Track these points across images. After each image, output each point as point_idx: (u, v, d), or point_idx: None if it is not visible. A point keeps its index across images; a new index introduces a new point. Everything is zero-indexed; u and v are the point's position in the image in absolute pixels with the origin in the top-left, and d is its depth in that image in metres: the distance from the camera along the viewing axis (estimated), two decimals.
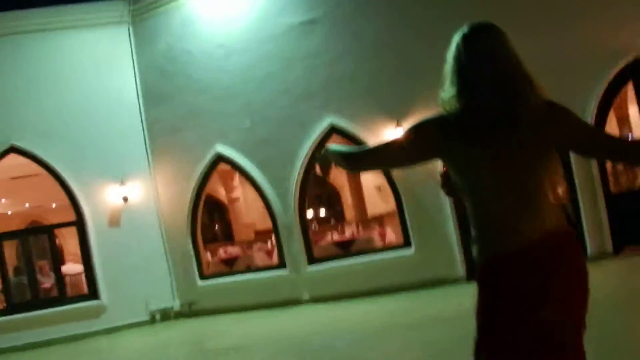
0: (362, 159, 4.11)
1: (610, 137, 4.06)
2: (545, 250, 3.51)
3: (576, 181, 14.73)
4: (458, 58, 3.65)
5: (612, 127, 17.15)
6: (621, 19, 14.14)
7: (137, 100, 18.75)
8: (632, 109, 17.86)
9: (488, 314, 3.64)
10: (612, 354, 7.62)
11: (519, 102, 3.51)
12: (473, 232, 3.71)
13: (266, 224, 23.84)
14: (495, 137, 3.51)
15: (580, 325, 3.60)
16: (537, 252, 3.51)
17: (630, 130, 18.97)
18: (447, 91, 3.67)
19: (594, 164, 14.34)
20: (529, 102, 3.52)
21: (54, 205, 27.07)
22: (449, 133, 3.60)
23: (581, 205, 14.79)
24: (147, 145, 18.69)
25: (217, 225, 25.61)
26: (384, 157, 4.05)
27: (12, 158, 17.98)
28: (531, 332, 3.52)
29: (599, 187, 14.79)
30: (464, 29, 3.69)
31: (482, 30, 3.69)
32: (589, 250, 14.57)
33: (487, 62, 3.59)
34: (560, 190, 3.63)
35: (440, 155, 3.73)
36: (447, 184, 3.86)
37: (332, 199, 29.86)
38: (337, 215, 28.51)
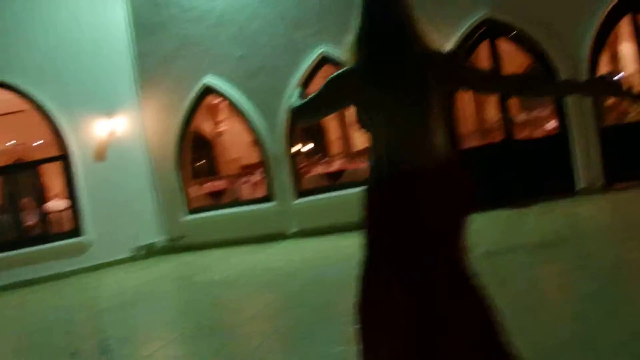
0: (305, 110, 4.59)
1: (497, 76, 5.32)
2: (428, 175, 4.22)
3: (569, 114, 14.68)
4: (361, 11, 4.42)
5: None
6: None
7: (127, 32, 18.40)
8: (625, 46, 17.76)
9: (373, 229, 4.45)
10: (608, 281, 7.80)
11: (407, 53, 4.24)
12: (370, 161, 4.39)
13: (252, 158, 23.60)
14: (390, 83, 4.21)
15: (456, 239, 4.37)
16: (420, 176, 4.22)
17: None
18: (351, 36, 4.42)
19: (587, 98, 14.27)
20: (416, 53, 4.24)
21: (39, 142, 26.81)
22: (357, 80, 4.29)
23: (574, 139, 14.74)
24: (136, 78, 18.38)
25: (203, 160, 25.35)
26: (322, 105, 4.54)
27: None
28: (411, 238, 4.26)
29: (592, 121, 14.76)
30: None
31: None
32: (580, 184, 14.58)
33: (382, 16, 4.32)
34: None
35: (354, 98, 4.36)
36: (359, 120, 4.45)
37: (318, 133, 29.76)
38: (324, 148, 28.41)
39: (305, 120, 4.91)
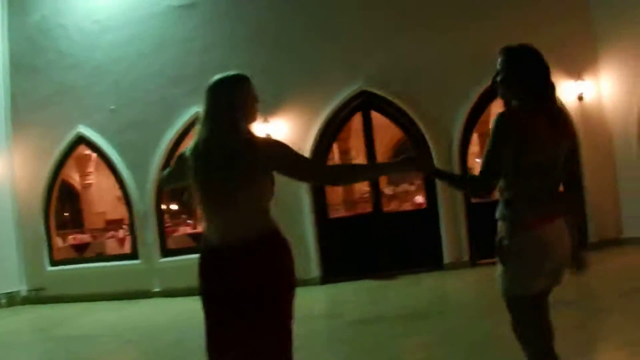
0: (164, 179, 5.40)
1: (316, 167, 5.66)
2: (241, 249, 4.63)
3: (438, 189, 14.95)
4: (204, 101, 4.84)
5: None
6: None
7: (2, 70, 17.99)
8: None
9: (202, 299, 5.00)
10: (474, 355, 7.92)
11: (225, 139, 4.70)
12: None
13: (117, 213, 23.34)
14: (209, 165, 4.67)
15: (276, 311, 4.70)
16: (233, 249, 4.64)
17: None
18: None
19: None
20: (233, 139, 4.68)
21: None
22: (187, 161, 4.78)
23: (441, 215, 14.98)
24: (9, 120, 17.91)
25: (68, 211, 24.95)
26: (172, 178, 5.26)
27: None
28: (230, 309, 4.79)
29: (460, 196, 15.02)
30: (213, 79, 4.92)
31: (222, 81, 4.91)
32: (446, 259, 14.83)
33: (211, 106, 4.79)
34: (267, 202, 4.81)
35: (189, 175, 4.80)
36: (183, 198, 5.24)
37: (186, 193, 29.58)
38: (191, 210, 28.27)
39: (166, 187, 5.53)
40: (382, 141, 22.80)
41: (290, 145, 4.99)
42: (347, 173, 5.57)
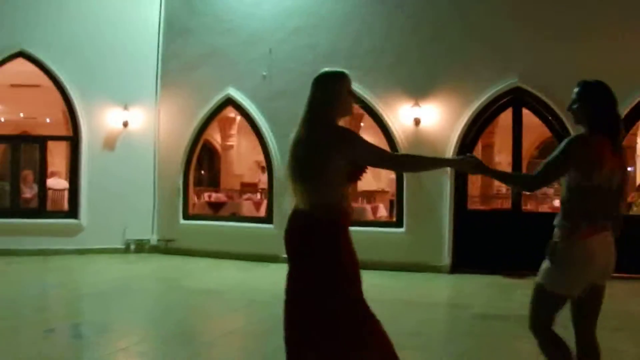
0: None
1: (381, 155, 5.58)
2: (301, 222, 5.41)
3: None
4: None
5: None
6: None
7: (157, 30, 18.34)
8: None
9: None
10: None
11: (308, 129, 5.39)
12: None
13: (253, 177, 23.53)
14: (295, 148, 5.41)
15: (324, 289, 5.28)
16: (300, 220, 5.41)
17: None
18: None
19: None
20: (315, 129, 5.35)
21: (48, 120, 26.81)
22: None
23: None
24: (159, 77, 18.30)
25: (206, 170, 25.34)
26: None
27: (18, 64, 17.56)
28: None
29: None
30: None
31: (319, 76, 5.61)
32: None
33: (308, 99, 5.54)
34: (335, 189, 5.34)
35: None
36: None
37: None
38: None
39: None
40: (528, 139, 22.56)
41: None
42: (411, 160, 6.31)
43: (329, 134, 5.33)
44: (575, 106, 5.43)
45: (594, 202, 5.18)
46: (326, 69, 5.64)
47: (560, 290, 5.34)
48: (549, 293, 5.39)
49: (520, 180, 6.18)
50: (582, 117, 5.38)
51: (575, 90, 5.50)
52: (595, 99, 5.35)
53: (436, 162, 7.50)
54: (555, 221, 5.39)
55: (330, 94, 5.49)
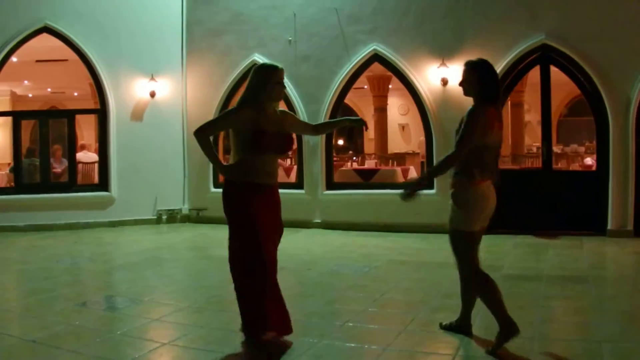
0: None
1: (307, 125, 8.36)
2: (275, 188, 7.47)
3: (610, 154, 14.47)
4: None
5: None
6: None
7: None
8: None
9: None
10: (627, 327, 7.73)
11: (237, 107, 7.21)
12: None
13: None
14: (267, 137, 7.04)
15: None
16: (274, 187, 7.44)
17: None
18: None
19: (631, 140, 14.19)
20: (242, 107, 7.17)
21: (75, 93, 26.88)
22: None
23: (610, 180, 14.54)
24: (184, 45, 18.36)
25: None
26: None
27: (43, 39, 17.60)
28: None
29: (632, 162, 14.50)
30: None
31: (256, 68, 7.31)
32: (609, 226, 14.44)
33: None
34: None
35: None
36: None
37: (355, 131, 29.73)
38: (358, 147, 28.37)
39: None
40: (558, 98, 22.40)
41: None
42: (322, 127, 8.63)
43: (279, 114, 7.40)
44: (464, 83, 6.87)
45: (486, 158, 6.73)
46: (264, 62, 7.65)
47: (467, 227, 6.79)
48: (460, 233, 6.85)
49: (447, 164, 6.87)
50: (470, 90, 6.82)
51: (464, 68, 6.89)
52: (480, 75, 6.74)
53: (333, 124, 9.49)
54: (452, 175, 6.87)
55: (260, 82, 7.14)
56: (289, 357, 6.67)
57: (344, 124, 7.87)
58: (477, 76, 6.73)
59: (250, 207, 7.00)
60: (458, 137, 6.69)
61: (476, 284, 7.02)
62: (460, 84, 6.92)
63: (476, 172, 6.66)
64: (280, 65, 7.25)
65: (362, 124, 7.59)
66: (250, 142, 6.95)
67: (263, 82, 7.08)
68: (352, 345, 7.01)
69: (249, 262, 7.04)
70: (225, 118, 7.49)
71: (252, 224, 6.99)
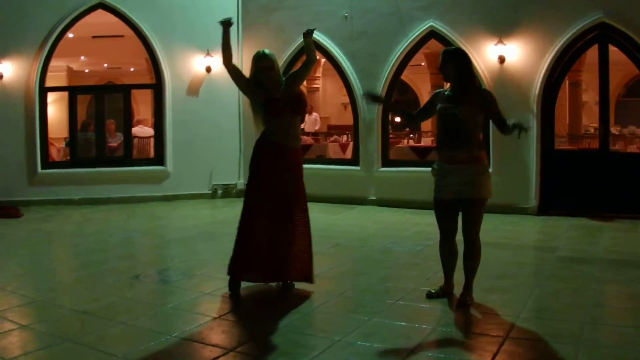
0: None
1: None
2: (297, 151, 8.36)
3: None
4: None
5: None
6: None
7: None
8: None
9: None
10: None
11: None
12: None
13: (340, 120, 23.43)
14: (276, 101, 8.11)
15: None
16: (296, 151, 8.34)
17: None
18: None
19: None
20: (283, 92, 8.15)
21: (132, 69, 27.05)
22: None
23: None
24: (239, 21, 18.21)
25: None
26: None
27: (99, 15, 17.68)
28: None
29: None
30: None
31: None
32: None
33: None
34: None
35: None
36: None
37: (411, 107, 29.59)
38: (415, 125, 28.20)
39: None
40: (616, 77, 22.13)
41: None
42: (312, 58, 8.55)
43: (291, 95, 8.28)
44: (443, 68, 7.65)
45: (441, 132, 7.71)
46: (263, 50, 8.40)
47: (490, 195, 7.57)
48: (433, 200, 7.73)
49: (406, 117, 8.73)
50: (449, 76, 7.59)
51: (441, 57, 7.67)
52: (456, 62, 7.54)
53: None
54: (473, 149, 7.44)
55: (252, 68, 8.36)
56: (339, 333, 6.63)
57: (308, 43, 8.55)
58: (454, 64, 7.52)
59: (262, 168, 8.29)
60: (498, 116, 7.53)
61: (480, 249, 7.74)
62: (439, 69, 7.82)
63: (439, 147, 7.78)
64: (264, 52, 8.33)
65: (309, 34, 8.54)
66: (264, 110, 8.18)
67: (253, 67, 8.35)
68: (403, 324, 6.95)
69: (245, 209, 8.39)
70: (246, 83, 8.50)
71: (259, 182, 8.28)
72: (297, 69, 8.66)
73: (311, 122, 24.16)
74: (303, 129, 23.34)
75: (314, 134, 23.36)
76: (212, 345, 6.30)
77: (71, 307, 7.69)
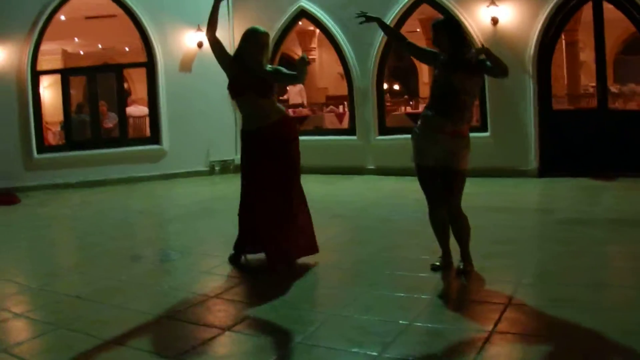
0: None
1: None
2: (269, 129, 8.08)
3: None
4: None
5: None
6: None
7: None
8: None
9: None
10: None
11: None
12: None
13: (338, 90, 23.30)
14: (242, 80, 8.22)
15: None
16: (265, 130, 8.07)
17: None
18: None
19: None
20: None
21: (127, 48, 26.86)
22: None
23: None
24: None
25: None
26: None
27: None
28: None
29: None
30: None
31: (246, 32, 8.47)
32: None
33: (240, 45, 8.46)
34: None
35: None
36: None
37: (408, 74, 29.46)
38: (411, 91, 28.11)
39: None
40: (613, 35, 21.92)
41: None
42: (301, 77, 8.15)
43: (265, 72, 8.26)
44: (435, 41, 7.54)
45: (434, 99, 7.51)
46: (252, 26, 8.47)
47: (417, 160, 7.58)
48: (416, 165, 7.63)
49: (397, 36, 8.84)
50: (444, 47, 7.44)
51: (432, 31, 7.56)
52: (447, 32, 7.40)
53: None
54: (459, 120, 7.31)
55: (243, 45, 8.32)
56: (336, 307, 6.57)
57: (302, 69, 8.03)
58: (446, 34, 7.38)
59: (244, 155, 8.44)
60: (492, 69, 7.15)
61: (465, 218, 7.58)
62: (433, 44, 7.67)
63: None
64: (263, 29, 8.39)
65: (304, 62, 7.91)
66: (228, 88, 8.41)
67: (246, 45, 8.28)
68: (402, 295, 6.84)
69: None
70: (224, 56, 8.41)
71: (245, 169, 8.44)
72: (286, 71, 8.46)
73: (295, 94, 24.00)
74: (287, 99, 23.27)
75: (299, 106, 23.19)
76: (207, 326, 6.21)
77: (66, 292, 7.59)
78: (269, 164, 8.10)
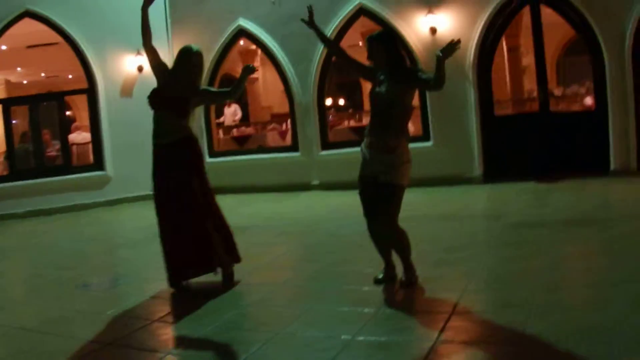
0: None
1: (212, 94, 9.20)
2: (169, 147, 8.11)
3: (608, 93, 14.26)
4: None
5: None
6: None
7: None
8: None
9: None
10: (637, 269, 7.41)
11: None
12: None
13: (282, 107, 23.28)
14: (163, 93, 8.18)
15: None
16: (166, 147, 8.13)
17: None
18: None
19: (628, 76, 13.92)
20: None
21: (70, 76, 26.71)
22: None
23: (610, 118, 14.30)
24: (168, 16, 18.08)
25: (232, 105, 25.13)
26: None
27: (27, 24, 17.36)
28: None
29: (632, 101, 14.17)
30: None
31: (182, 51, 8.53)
32: (612, 166, 14.17)
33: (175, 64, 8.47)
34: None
35: None
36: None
37: (351, 88, 29.50)
38: (355, 104, 28.14)
39: None
40: (554, 39, 22.05)
41: None
42: (234, 92, 8.49)
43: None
44: (372, 56, 7.41)
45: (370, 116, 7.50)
46: (186, 45, 8.60)
47: (406, 182, 7.34)
48: (402, 187, 7.32)
49: (327, 40, 9.14)
50: (380, 62, 7.33)
51: (367, 45, 7.43)
52: (384, 46, 7.29)
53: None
54: (390, 135, 7.19)
55: (177, 64, 8.45)
56: (280, 324, 6.50)
57: (243, 79, 8.25)
58: (382, 47, 7.28)
59: (154, 172, 8.35)
60: (422, 80, 7.18)
61: (400, 233, 7.37)
62: (368, 59, 7.51)
63: (408, 132, 7.43)
64: (197, 49, 8.49)
65: (249, 70, 8.14)
66: (150, 96, 8.22)
67: (179, 63, 8.40)
68: (346, 309, 6.77)
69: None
70: (158, 65, 8.44)
71: (155, 185, 8.40)
72: (214, 89, 9.15)
73: (231, 114, 24.00)
74: (223, 122, 23.20)
75: (235, 127, 23.12)
76: (149, 351, 6.13)
77: (11, 324, 7.47)
78: (166, 180, 8.18)
